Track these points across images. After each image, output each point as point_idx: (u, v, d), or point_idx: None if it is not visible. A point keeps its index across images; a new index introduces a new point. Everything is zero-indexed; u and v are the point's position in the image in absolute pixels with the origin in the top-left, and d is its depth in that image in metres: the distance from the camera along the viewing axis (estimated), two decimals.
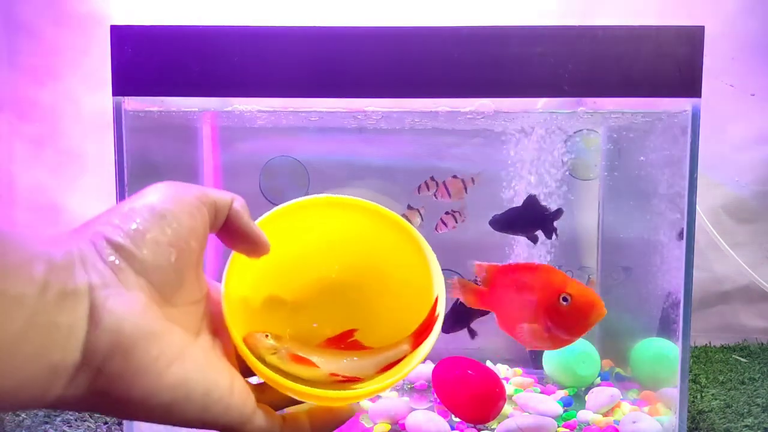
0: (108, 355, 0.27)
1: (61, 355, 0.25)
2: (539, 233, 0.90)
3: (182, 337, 0.30)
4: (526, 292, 0.69)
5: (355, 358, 0.40)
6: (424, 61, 0.67)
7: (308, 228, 0.42)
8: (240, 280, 0.38)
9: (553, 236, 0.89)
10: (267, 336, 0.36)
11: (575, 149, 0.96)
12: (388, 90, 0.68)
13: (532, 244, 0.93)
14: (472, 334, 0.90)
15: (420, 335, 0.40)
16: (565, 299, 0.65)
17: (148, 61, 0.67)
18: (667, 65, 0.66)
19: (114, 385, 0.27)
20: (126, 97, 0.68)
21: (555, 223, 0.89)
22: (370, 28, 0.68)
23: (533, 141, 0.93)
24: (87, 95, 1.10)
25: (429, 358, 0.94)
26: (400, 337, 0.41)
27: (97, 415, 0.81)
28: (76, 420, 0.80)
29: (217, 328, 0.35)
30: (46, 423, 0.78)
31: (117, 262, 0.28)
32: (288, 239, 0.41)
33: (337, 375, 0.38)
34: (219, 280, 0.37)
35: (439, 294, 0.40)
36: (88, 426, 0.78)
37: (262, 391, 0.35)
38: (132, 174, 0.69)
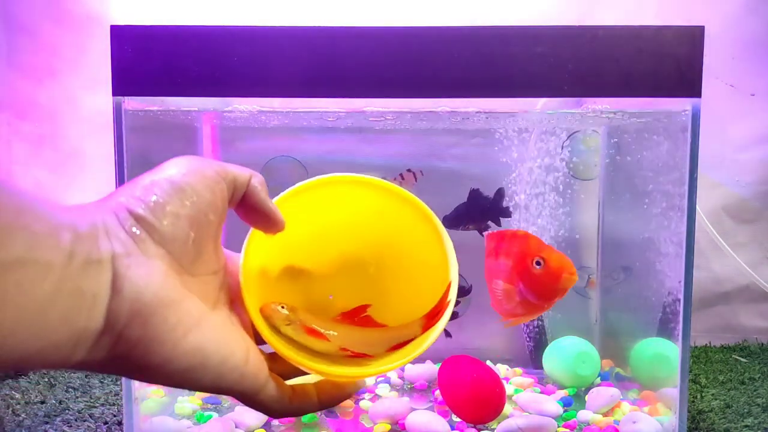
0: (128, 322, 0.28)
1: (86, 321, 0.27)
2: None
3: (200, 306, 0.31)
4: (504, 256, 0.70)
5: (366, 335, 0.41)
6: (424, 61, 0.67)
7: (329, 204, 0.43)
8: (259, 252, 0.39)
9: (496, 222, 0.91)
10: (282, 307, 0.37)
11: (575, 149, 0.96)
12: (388, 90, 0.68)
13: None
14: (447, 333, 0.92)
15: (431, 318, 0.41)
16: (538, 263, 0.66)
17: (148, 61, 0.67)
18: (667, 65, 0.66)
19: (134, 351, 0.28)
20: (126, 97, 0.68)
21: (503, 203, 0.90)
22: (370, 28, 0.68)
23: (533, 141, 0.93)
24: (86, 95, 1.10)
25: (431, 358, 0.94)
26: (411, 317, 0.42)
27: (97, 415, 0.81)
28: (76, 420, 0.80)
29: (234, 299, 0.36)
30: (46, 423, 0.78)
31: (138, 232, 0.29)
32: (309, 214, 0.42)
33: (348, 350, 0.39)
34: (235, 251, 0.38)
35: (453, 280, 0.41)
36: (88, 426, 0.78)
37: (273, 360, 0.36)
38: (132, 174, 0.69)
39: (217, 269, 0.35)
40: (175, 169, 0.32)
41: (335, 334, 0.39)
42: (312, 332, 0.38)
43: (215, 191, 0.32)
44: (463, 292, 0.93)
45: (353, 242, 0.44)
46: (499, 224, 0.90)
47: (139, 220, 0.29)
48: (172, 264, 0.30)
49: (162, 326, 0.28)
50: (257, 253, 0.39)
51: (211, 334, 0.31)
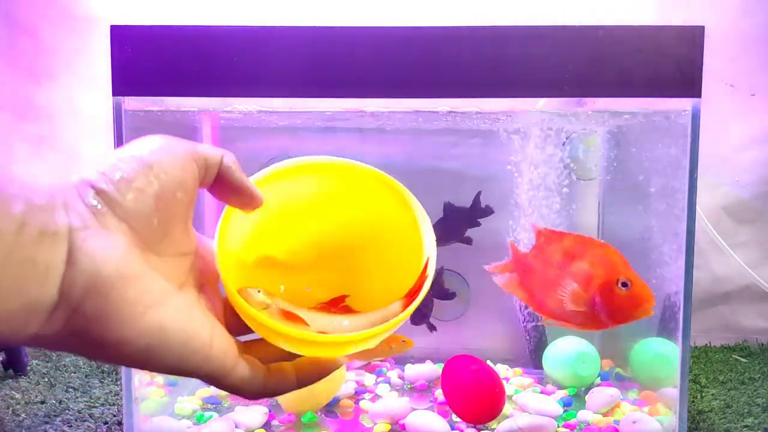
0: (84, 296, 0.27)
1: (38, 293, 0.26)
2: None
3: (163, 285, 0.30)
4: (581, 263, 0.68)
5: (345, 319, 0.39)
6: (424, 61, 0.67)
7: (302, 190, 0.41)
8: (234, 240, 0.38)
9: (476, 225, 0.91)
10: (259, 291, 0.36)
11: (575, 149, 0.96)
12: (388, 90, 0.68)
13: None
14: (431, 328, 0.92)
15: (412, 296, 0.40)
16: (624, 284, 0.64)
17: (148, 61, 0.67)
18: (667, 65, 0.66)
19: (90, 326, 0.27)
20: (126, 97, 0.68)
21: (482, 204, 0.91)
22: (370, 28, 0.68)
23: (533, 141, 0.93)
24: (86, 95, 1.10)
25: (431, 358, 0.94)
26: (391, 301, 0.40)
27: (97, 415, 0.81)
28: (76, 420, 0.80)
29: (203, 283, 0.36)
30: (46, 423, 0.78)
31: (99, 206, 0.29)
32: (281, 200, 0.40)
33: (327, 333, 0.37)
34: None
35: (430, 255, 0.40)
36: (88, 426, 0.78)
37: (249, 347, 0.36)
38: None
39: (186, 251, 0.34)
40: (144, 146, 0.32)
41: (314, 319, 0.37)
42: (290, 316, 0.37)
43: (185, 170, 0.32)
44: (447, 295, 0.92)
45: (328, 228, 0.43)
46: (479, 225, 0.90)
47: (101, 194, 0.29)
48: (135, 240, 0.30)
49: (120, 301, 0.28)
50: (233, 240, 0.37)
51: (174, 314, 0.30)
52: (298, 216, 0.42)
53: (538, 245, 0.74)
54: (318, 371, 0.37)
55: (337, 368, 0.37)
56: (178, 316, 0.30)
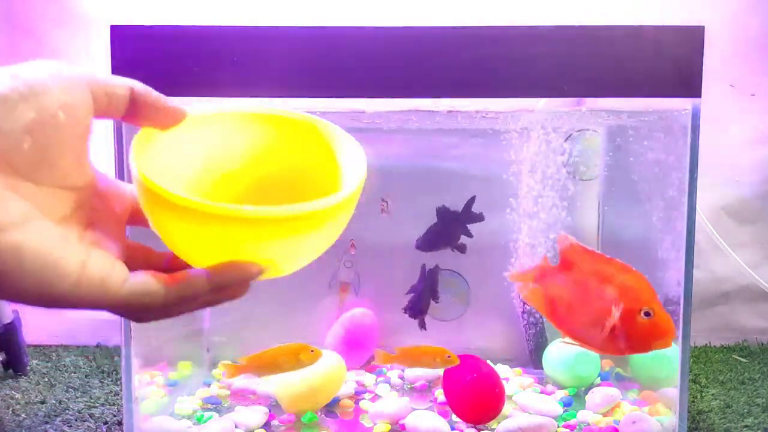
0: None
1: None
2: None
3: (27, 210, 0.29)
4: (608, 286, 0.68)
5: None
6: (424, 61, 0.67)
7: (219, 141, 0.39)
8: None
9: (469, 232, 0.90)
10: None
11: (575, 149, 0.96)
12: (388, 90, 0.68)
13: (533, 245, 0.93)
14: (422, 325, 0.91)
15: None
16: (647, 313, 0.64)
17: (148, 61, 0.67)
18: (667, 65, 0.66)
19: None
20: None
21: (473, 210, 0.90)
22: (370, 28, 0.68)
23: (533, 141, 0.93)
24: None
25: None
26: None
27: (97, 415, 0.81)
28: (76, 420, 0.80)
29: (97, 222, 0.34)
30: (46, 423, 0.78)
31: None
32: (200, 153, 0.38)
33: None
34: None
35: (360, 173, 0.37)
36: (88, 426, 0.78)
37: None
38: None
39: (76, 185, 0.32)
40: (30, 67, 0.30)
41: None
42: None
43: (76, 97, 0.30)
44: (435, 297, 0.92)
45: (253, 179, 0.40)
46: (470, 235, 0.89)
47: None
48: None
49: None
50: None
51: (35, 237, 0.28)
52: (218, 168, 0.39)
53: (565, 260, 0.72)
54: (235, 270, 0.32)
55: (259, 274, 0.33)
56: (41, 240, 0.28)
